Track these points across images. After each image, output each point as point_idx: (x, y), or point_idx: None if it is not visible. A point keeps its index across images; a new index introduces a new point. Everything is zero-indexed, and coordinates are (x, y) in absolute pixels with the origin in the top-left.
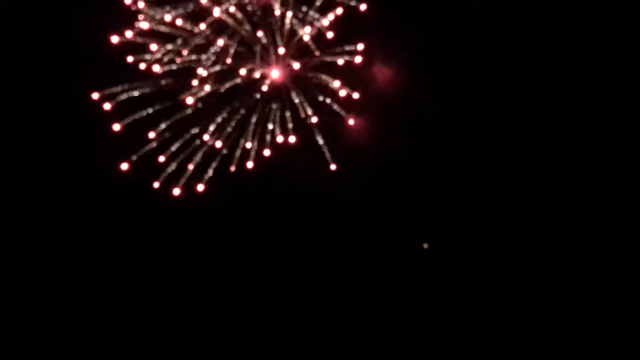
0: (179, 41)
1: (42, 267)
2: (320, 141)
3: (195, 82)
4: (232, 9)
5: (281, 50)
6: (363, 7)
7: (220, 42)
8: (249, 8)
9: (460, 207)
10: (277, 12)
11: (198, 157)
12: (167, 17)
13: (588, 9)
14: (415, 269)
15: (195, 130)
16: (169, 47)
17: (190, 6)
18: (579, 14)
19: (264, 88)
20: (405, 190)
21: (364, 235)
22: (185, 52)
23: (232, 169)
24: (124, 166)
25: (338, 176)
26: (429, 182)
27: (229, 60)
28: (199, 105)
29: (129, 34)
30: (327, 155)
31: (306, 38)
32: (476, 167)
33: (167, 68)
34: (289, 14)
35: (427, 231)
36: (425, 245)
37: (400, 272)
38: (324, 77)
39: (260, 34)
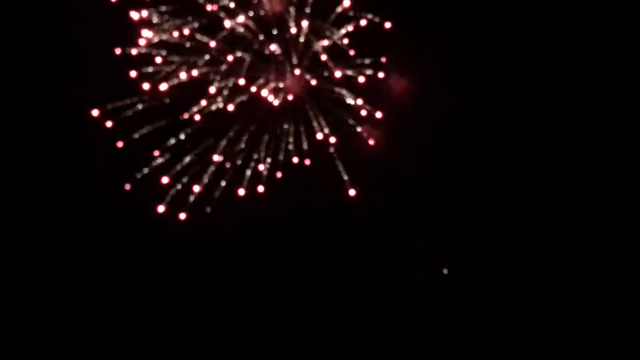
0: (190, 54)
1: (40, 292)
2: (339, 164)
3: (204, 97)
4: (241, 19)
5: (296, 64)
6: (388, 25)
7: (231, 57)
8: (263, 18)
9: (483, 231)
10: (292, 25)
11: (205, 179)
12: (176, 30)
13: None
14: (435, 295)
15: (202, 149)
16: (177, 59)
17: (204, 20)
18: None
19: (278, 103)
20: (427, 216)
21: (384, 266)
22: (195, 66)
23: (242, 192)
24: (127, 187)
25: (357, 202)
26: (451, 205)
27: (241, 75)
28: (203, 121)
29: (138, 44)
30: (346, 179)
31: (321, 52)
32: (501, 188)
33: (175, 82)
34: (304, 24)
35: (447, 256)
36: (446, 271)
37: (420, 299)
38: (341, 92)
39: (274, 47)
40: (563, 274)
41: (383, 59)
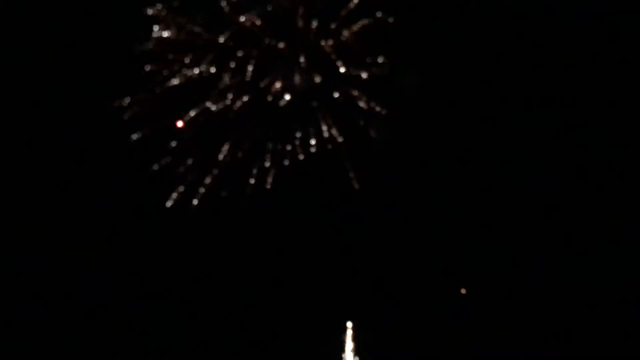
0: (195, 51)
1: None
2: (348, 166)
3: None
4: (249, 16)
5: (304, 62)
6: (399, 23)
7: (238, 54)
8: (271, 15)
9: (503, 246)
10: (301, 23)
11: (207, 183)
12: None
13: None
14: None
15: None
16: (180, 56)
17: (212, 16)
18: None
19: (285, 103)
20: (442, 227)
21: (394, 278)
22: (200, 63)
23: (248, 192)
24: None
25: (363, 207)
26: (468, 213)
27: (248, 73)
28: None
29: (143, 41)
30: (354, 182)
31: (330, 50)
32: (513, 190)
33: (180, 80)
34: (313, 21)
35: (464, 273)
36: (463, 291)
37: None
38: (350, 91)
39: (282, 44)
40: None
41: (393, 58)
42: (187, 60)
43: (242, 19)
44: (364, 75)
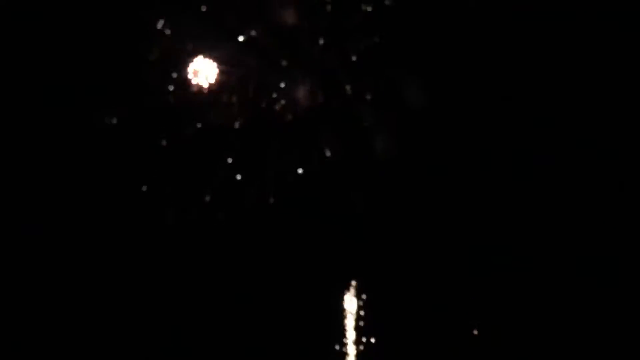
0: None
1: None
2: (351, 179)
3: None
4: (253, 31)
5: (308, 77)
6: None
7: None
8: (275, 30)
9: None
10: (305, 38)
11: (207, 197)
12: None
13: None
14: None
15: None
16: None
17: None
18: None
19: (287, 119)
20: (451, 249)
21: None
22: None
23: (249, 203)
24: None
25: (366, 226)
26: (481, 237)
27: (251, 88)
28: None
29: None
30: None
31: (335, 64)
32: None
33: (183, 92)
34: (318, 37)
35: (476, 306)
36: (476, 332)
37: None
38: (354, 106)
39: (285, 61)
40: None
41: (399, 72)
42: (188, 75)
43: (245, 34)
44: (369, 90)
